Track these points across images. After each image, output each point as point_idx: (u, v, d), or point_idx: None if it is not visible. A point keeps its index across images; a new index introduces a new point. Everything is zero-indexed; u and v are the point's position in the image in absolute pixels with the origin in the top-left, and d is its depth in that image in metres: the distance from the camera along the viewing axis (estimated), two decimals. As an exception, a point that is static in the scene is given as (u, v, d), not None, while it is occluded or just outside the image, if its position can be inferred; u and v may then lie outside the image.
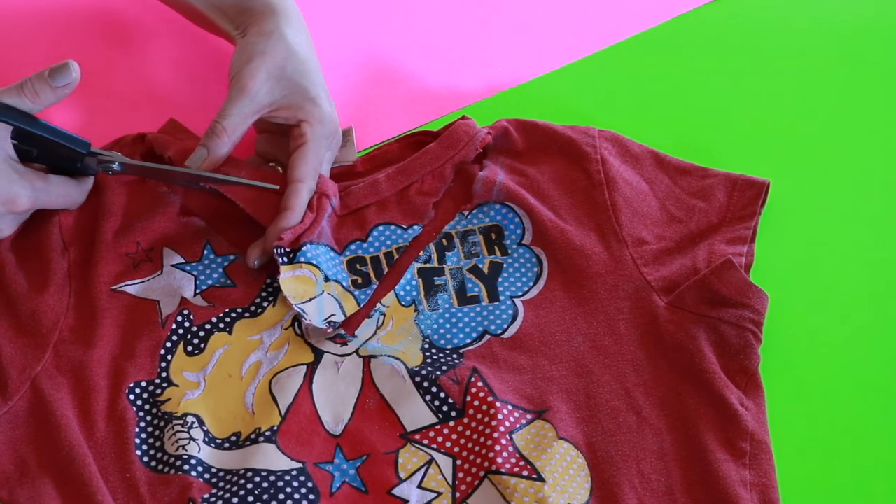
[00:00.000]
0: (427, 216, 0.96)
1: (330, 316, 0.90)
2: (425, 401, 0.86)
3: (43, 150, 0.89)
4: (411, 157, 0.98)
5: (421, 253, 0.94)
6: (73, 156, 0.90)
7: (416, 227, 0.95)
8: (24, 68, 1.02)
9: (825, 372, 0.91)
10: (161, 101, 1.04)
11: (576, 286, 0.92)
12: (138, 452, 0.84)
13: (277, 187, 0.93)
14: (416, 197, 0.96)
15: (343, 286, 0.91)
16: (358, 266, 0.93)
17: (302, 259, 0.90)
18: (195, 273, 0.93)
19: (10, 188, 0.87)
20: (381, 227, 0.95)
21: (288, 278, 0.89)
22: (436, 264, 0.94)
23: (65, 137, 0.89)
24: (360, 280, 0.92)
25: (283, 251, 0.90)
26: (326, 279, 0.91)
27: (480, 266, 0.94)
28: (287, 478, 0.83)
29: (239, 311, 0.91)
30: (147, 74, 1.06)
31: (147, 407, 0.86)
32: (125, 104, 1.04)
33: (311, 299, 0.90)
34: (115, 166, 0.92)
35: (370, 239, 0.94)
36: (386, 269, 0.93)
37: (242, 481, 0.82)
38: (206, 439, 0.85)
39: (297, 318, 0.90)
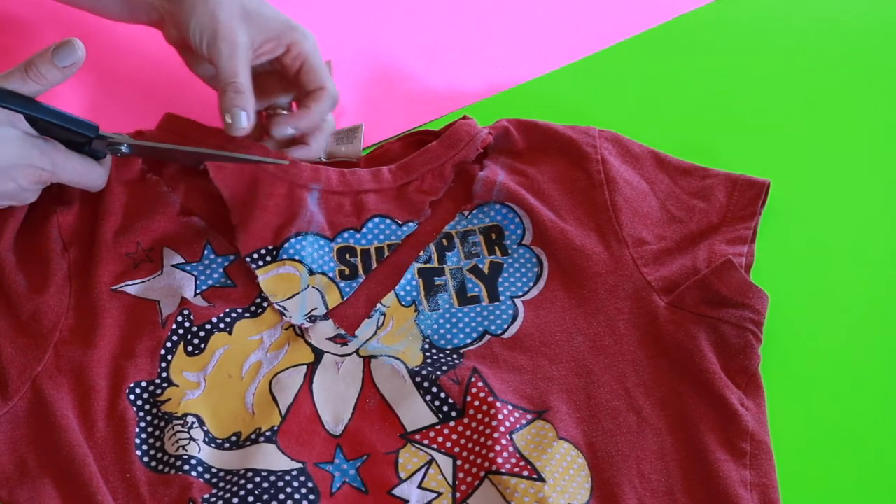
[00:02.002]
0: (423, 214, 0.96)
1: (312, 311, 0.90)
2: (425, 401, 0.86)
3: (49, 135, 0.88)
4: (413, 154, 0.98)
5: (421, 253, 0.94)
6: (81, 140, 0.89)
7: (411, 223, 0.95)
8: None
9: (825, 372, 0.91)
10: (160, 99, 1.04)
11: (576, 286, 0.92)
12: (138, 452, 0.84)
13: (288, 162, 0.94)
14: (415, 194, 0.96)
15: (329, 277, 0.92)
16: (348, 256, 0.93)
17: (285, 256, 0.91)
18: (195, 273, 0.93)
19: (23, 152, 0.85)
20: (376, 220, 0.95)
21: (269, 278, 0.90)
22: (436, 264, 0.94)
23: (72, 122, 0.88)
24: (347, 271, 0.93)
25: (265, 251, 0.91)
26: (311, 272, 0.91)
27: (481, 266, 0.94)
28: (287, 478, 0.83)
29: (239, 311, 0.91)
30: (146, 73, 1.06)
31: (147, 407, 0.86)
32: (125, 103, 1.04)
33: (293, 296, 0.90)
34: (124, 148, 0.91)
35: (364, 230, 0.94)
36: (375, 265, 0.93)
37: (243, 481, 0.82)
38: (207, 439, 0.85)
39: (298, 319, 0.91)
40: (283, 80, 0.98)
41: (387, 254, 0.94)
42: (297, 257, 0.92)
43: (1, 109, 0.84)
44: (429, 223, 0.96)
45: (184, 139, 0.95)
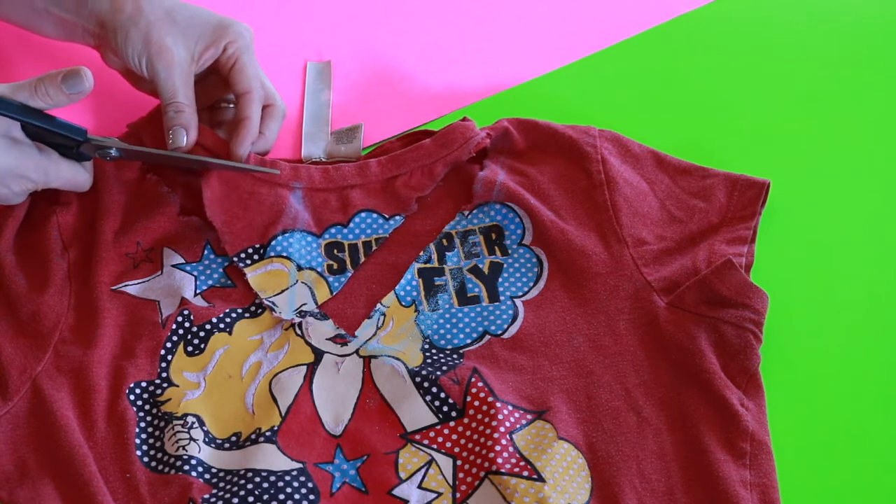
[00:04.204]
0: (410, 209, 0.96)
1: (301, 305, 0.90)
2: (425, 401, 0.86)
3: (40, 138, 0.89)
4: (405, 149, 0.98)
5: (421, 253, 0.94)
6: (70, 144, 0.90)
7: (397, 217, 0.95)
8: (25, 62, 1.02)
9: (825, 372, 0.91)
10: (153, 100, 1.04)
11: (576, 286, 0.92)
12: (138, 453, 0.84)
13: (279, 172, 0.94)
14: (402, 189, 0.96)
15: (318, 272, 0.92)
16: (336, 251, 0.94)
17: (272, 253, 0.91)
18: (195, 273, 0.93)
19: (19, 163, 0.87)
20: (363, 214, 0.95)
21: (258, 275, 0.91)
22: (436, 264, 0.94)
23: (62, 127, 0.89)
24: (335, 266, 0.93)
25: (252, 249, 0.92)
26: (299, 268, 0.92)
27: (480, 266, 0.94)
28: (287, 478, 0.83)
29: (239, 311, 0.91)
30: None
31: (147, 407, 0.86)
32: (125, 104, 1.04)
33: (282, 291, 0.90)
34: (113, 152, 0.92)
35: (351, 225, 0.95)
36: (363, 258, 0.93)
37: (243, 481, 0.82)
38: (207, 439, 0.85)
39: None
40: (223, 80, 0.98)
41: (374, 247, 0.94)
42: (284, 254, 0.92)
43: None
44: (428, 223, 0.96)
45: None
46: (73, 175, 0.91)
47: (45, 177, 0.89)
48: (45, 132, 0.88)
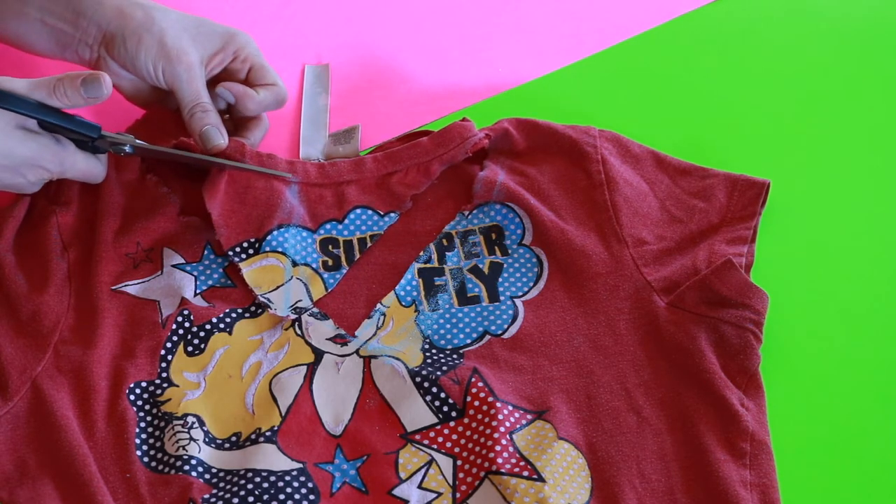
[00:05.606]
0: (404, 206, 0.96)
1: (296, 302, 0.90)
2: (425, 401, 0.86)
3: (55, 132, 0.90)
4: (402, 146, 0.98)
5: (421, 253, 0.94)
6: (84, 140, 0.91)
7: (392, 214, 0.95)
8: (28, 60, 1.02)
9: (825, 372, 0.91)
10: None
11: (576, 286, 0.92)
12: (138, 453, 0.84)
13: (290, 176, 0.95)
14: (397, 186, 0.96)
15: (313, 268, 0.92)
16: (330, 247, 0.94)
17: (268, 248, 0.92)
18: (195, 273, 0.93)
19: (36, 153, 0.88)
20: (358, 211, 0.95)
21: (253, 270, 0.91)
22: (436, 264, 0.94)
23: (76, 123, 0.90)
24: (330, 262, 0.93)
25: (247, 244, 0.92)
26: (294, 264, 0.92)
27: (481, 266, 0.94)
28: (287, 478, 0.83)
29: (239, 311, 0.91)
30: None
31: (147, 407, 0.86)
32: (125, 105, 1.04)
33: (277, 287, 0.90)
34: (127, 149, 0.93)
35: (346, 221, 0.95)
36: (358, 255, 0.94)
37: (243, 482, 0.82)
38: (207, 439, 0.85)
39: (298, 319, 0.90)
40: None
41: (369, 244, 0.94)
42: (279, 249, 0.92)
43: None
44: (428, 223, 0.96)
45: (162, 132, 0.96)
46: (88, 166, 0.92)
47: (62, 166, 0.90)
48: (59, 129, 0.89)
